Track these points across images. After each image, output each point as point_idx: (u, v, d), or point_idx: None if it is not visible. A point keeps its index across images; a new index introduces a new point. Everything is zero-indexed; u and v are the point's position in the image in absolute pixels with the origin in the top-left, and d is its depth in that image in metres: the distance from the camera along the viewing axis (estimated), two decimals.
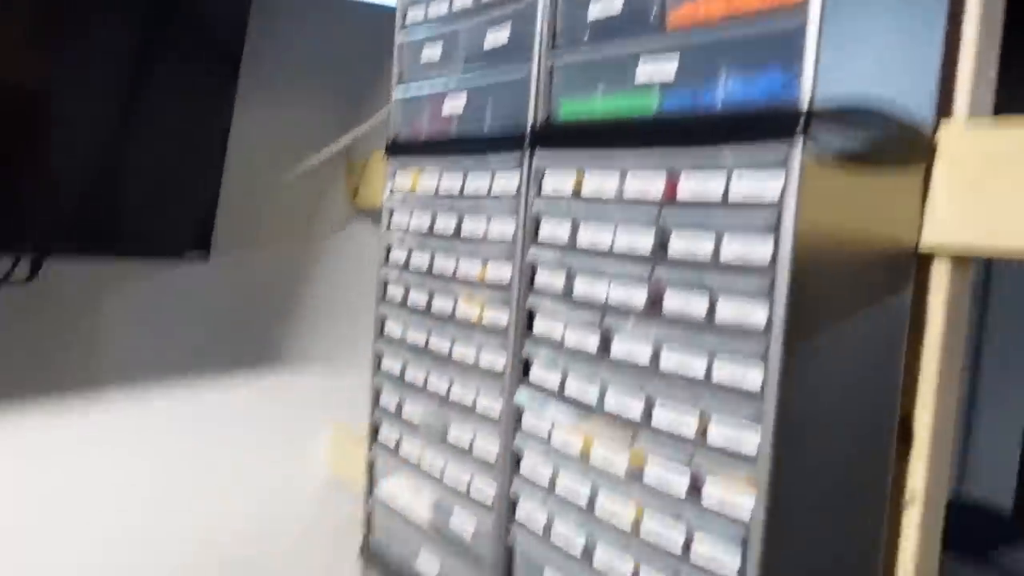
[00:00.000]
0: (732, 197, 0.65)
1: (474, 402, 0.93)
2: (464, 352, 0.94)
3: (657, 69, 0.72)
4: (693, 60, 0.69)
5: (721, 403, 0.65)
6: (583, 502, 0.77)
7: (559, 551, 0.80)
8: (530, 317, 0.85)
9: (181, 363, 1.30)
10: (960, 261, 0.69)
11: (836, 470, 0.67)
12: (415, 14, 1.06)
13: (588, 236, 0.78)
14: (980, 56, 0.70)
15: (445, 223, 0.99)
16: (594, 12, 0.79)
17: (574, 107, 0.82)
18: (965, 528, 1.43)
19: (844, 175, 0.63)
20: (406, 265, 1.05)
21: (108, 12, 1.06)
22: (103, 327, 1.22)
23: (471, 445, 0.93)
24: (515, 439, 0.85)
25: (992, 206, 0.64)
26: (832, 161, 0.62)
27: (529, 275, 0.85)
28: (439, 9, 1.01)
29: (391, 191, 1.09)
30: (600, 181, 0.77)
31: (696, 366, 0.67)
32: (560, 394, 0.81)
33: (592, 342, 0.77)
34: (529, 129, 0.85)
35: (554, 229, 0.82)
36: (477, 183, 0.94)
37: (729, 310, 0.65)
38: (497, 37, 0.92)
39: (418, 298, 1.03)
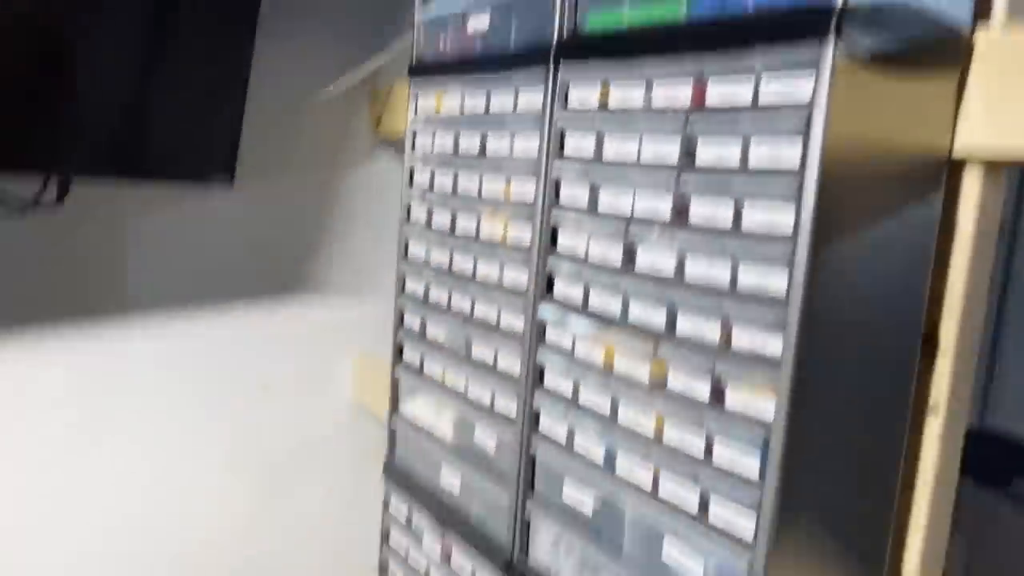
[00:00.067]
0: (761, 101, 0.64)
1: (497, 320, 0.93)
2: (487, 271, 0.95)
3: None
4: None
5: (745, 310, 0.65)
6: (606, 412, 0.78)
7: (581, 459, 0.81)
8: (554, 233, 0.85)
9: (206, 289, 1.32)
10: (993, 167, 0.68)
11: (859, 377, 0.67)
12: None
13: (614, 148, 0.78)
14: None
15: (469, 143, 0.98)
16: None
17: (601, 18, 0.80)
18: (986, 457, 1.43)
19: (877, 77, 0.62)
20: (430, 187, 1.05)
21: None
22: (130, 251, 1.24)
23: (494, 361, 0.94)
24: (538, 354, 0.86)
25: None
26: (865, 62, 0.60)
27: (553, 190, 0.84)
28: None
29: (415, 113, 1.09)
30: (626, 92, 0.76)
31: (721, 274, 0.67)
32: (583, 308, 0.81)
33: (616, 254, 0.77)
34: (555, 42, 0.84)
35: (579, 142, 0.82)
36: (501, 101, 0.93)
37: (756, 215, 0.64)
38: None
39: (441, 219, 1.03)
